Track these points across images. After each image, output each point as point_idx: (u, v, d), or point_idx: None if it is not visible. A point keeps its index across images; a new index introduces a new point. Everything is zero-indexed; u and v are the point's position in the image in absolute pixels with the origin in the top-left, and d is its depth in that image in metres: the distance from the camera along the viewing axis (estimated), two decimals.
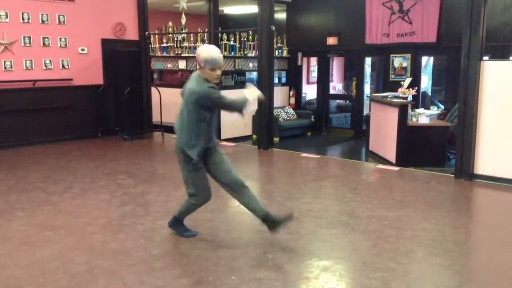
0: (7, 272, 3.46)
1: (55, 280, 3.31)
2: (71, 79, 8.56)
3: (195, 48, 11.27)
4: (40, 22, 8.12)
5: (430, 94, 10.85)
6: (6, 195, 5.35)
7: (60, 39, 8.38)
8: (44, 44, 8.21)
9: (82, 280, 3.31)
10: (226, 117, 10.55)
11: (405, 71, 10.27)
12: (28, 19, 7.98)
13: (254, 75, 11.12)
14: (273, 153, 8.01)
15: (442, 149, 7.84)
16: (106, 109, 9.02)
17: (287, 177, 6.59)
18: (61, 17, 8.36)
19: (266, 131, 8.09)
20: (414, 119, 7.93)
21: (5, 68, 7.82)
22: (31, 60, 8.09)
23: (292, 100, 12.33)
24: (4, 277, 3.38)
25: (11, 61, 7.87)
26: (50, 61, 8.31)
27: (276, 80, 11.30)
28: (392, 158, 7.74)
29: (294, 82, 12.39)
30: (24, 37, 7.97)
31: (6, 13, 7.75)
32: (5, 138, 7.82)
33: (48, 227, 4.34)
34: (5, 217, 4.64)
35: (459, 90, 6.08)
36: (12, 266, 3.54)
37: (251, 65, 11.45)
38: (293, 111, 11.80)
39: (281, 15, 12.35)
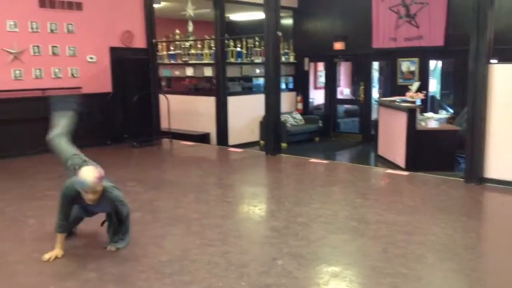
0: (19, 279, 3.49)
1: (66, 287, 3.33)
2: (80, 88, 8.62)
3: (201, 55, 11.33)
4: (49, 31, 8.20)
5: (438, 98, 10.81)
6: (18, 203, 5.39)
7: (69, 47, 8.45)
8: (53, 53, 8.28)
9: (93, 287, 3.33)
10: (233, 123, 10.71)
11: (413, 75, 10.25)
12: (37, 28, 8.06)
13: (261, 81, 11.14)
14: (281, 159, 8.00)
15: (452, 153, 7.79)
16: (115, 117, 9.07)
17: (295, 183, 6.58)
18: (70, 26, 8.43)
19: (274, 136, 8.08)
20: (423, 123, 7.90)
21: (15, 77, 7.89)
22: (41, 69, 8.16)
23: (300, 106, 12.35)
24: (16, 284, 3.41)
25: (20, 70, 7.94)
26: (59, 69, 8.38)
27: (283, 86, 11.32)
28: (402, 163, 7.71)
29: (301, 87, 12.41)
30: (33, 46, 8.04)
31: (15, 22, 7.83)
32: (15, 146, 7.88)
33: None
34: (17, 224, 4.68)
35: (467, 94, 6.04)
36: (24, 273, 3.56)
37: (258, 71, 11.48)
38: (300, 117, 11.80)
39: (287, 21, 12.38)
